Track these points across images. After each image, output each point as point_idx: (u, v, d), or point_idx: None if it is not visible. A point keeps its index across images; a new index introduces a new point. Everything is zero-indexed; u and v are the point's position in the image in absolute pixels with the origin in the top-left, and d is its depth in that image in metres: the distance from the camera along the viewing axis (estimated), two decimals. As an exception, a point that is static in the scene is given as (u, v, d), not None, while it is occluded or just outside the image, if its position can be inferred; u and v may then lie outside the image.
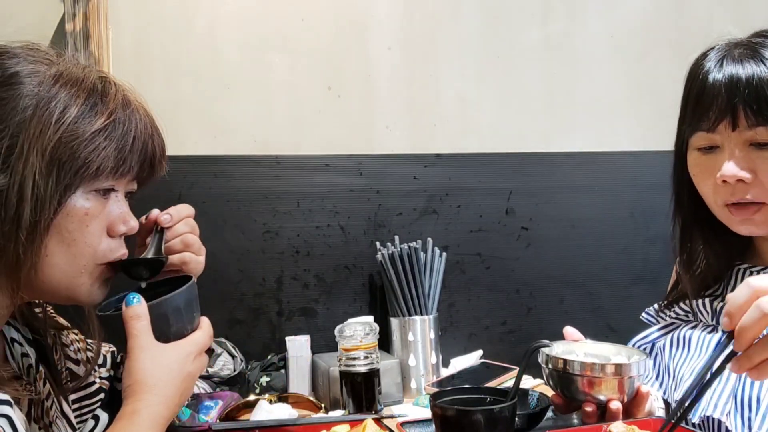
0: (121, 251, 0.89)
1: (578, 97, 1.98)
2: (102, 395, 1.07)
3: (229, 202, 1.72)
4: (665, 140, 1.97)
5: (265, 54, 1.76)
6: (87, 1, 1.57)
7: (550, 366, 1.03)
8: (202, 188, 1.71)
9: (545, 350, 1.04)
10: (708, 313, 1.10)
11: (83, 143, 0.80)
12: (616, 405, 0.99)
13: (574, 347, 1.08)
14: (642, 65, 2.01)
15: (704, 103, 1.00)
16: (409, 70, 1.85)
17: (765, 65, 0.95)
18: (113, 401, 1.08)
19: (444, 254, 1.76)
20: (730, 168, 0.97)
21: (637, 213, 1.99)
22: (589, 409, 0.99)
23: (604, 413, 1.01)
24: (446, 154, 1.87)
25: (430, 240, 1.75)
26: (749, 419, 0.99)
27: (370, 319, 1.66)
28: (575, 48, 1.98)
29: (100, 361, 1.10)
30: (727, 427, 1.01)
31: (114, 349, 1.15)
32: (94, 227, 0.84)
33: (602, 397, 1.00)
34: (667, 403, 1.15)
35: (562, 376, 1.01)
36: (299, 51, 1.78)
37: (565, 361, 1.00)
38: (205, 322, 0.92)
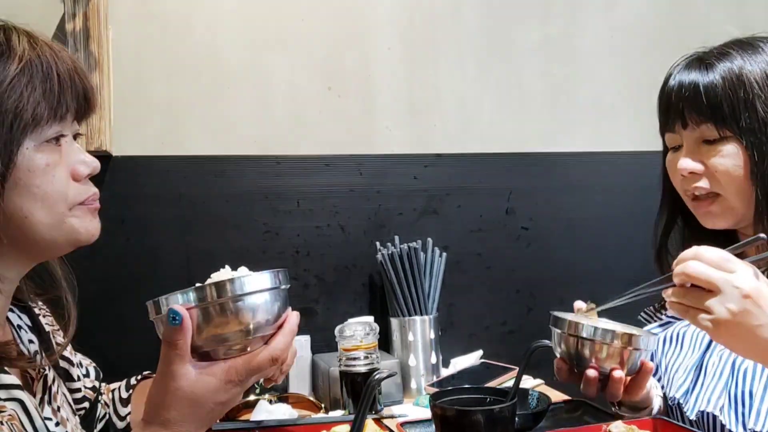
0: (90, 191, 0.87)
1: (578, 97, 1.98)
2: (86, 404, 1.06)
3: (229, 202, 1.72)
4: (665, 140, 1.98)
5: (265, 54, 1.76)
6: (87, 1, 1.57)
7: (561, 329, 1.03)
8: (202, 188, 1.71)
9: (557, 313, 1.06)
10: None
11: (5, 93, 0.78)
12: (619, 373, 1.00)
13: (584, 321, 1.08)
14: (642, 65, 2.01)
15: (662, 107, 1.15)
16: (409, 70, 1.85)
17: (706, 72, 1.08)
18: (92, 414, 1.07)
19: (444, 254, 1.76)
20: (683, 162, 1.09)
21: (637, 213, 1.98)
22: (591, 374, 1.00)
23: (604, 387, 1.02)
24: (446, 154, 1.87)
25: (430, 240, 1.75)
26: (743, 414, 1.01)
27: (370, 319, 1.66)
28: (575, 48, 1.98)
29: (83, 371, 1.08)
30: (722, 423, 1.02)
31: (95, 364, 1.13)
32: (59, 175, 0.82)
33: (606, 366, 1.00)
34: (665, 397, 1.17)
35: (572, 339, 1.02)
36: (299, 51, 1.78)
37: (577, 324, 1.01)
38: (271, 346, 0.83)
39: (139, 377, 1.15)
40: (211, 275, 0.86)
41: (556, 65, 1.96)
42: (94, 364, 1.12)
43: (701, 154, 1.08)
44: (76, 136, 0.88)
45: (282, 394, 1.51)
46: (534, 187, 1.92)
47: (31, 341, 0.92)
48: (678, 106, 1.10)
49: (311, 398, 1.52)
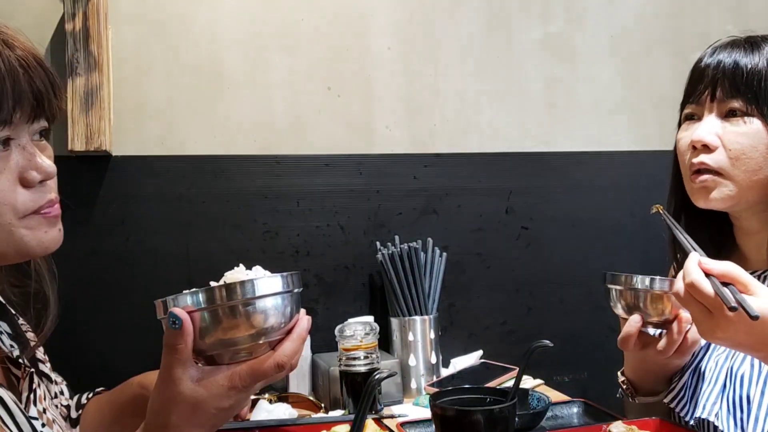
0: (45, 199, 0.80)
1: (578, 97, 1.98)
2: (61, 420, 1.05)
3: (229, 202, 1.72)
4: (665, 140, 1.98)
5: (265, 54, 1.76)
6: (87, 1, 1.57)
7: (626, 285, 1.09)
8: (202, 188, 1.71)
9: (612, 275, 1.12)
10: None
11: None
12: (686, 314, 1.02)
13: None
14: (642, 65, 2.01)
15: (693, 82, 1.11)
16: (409, 70, 1.85)
17: (750, 54, 1.05)
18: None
19: (444, 254, 1.76)
20: (699, 132, 1.06)
21: (637, 213, 1.98)
22: (674, 327, 1.03)
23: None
24: (446, 154, 1.87)
25: (430, 240, 1.75)
26: (742, 420, 1.00)
27: (370, 319, 1.66)
28: (575, 48, 1.98)
29: (58, 389, 1.05)
30: (721, 430, 1.01)
31: (65, 383, 1.09)
32: (1, 182, 0.76)
33: (668, 313, 1.04)
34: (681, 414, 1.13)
35: (639, 293, 1.07)
36: (299, 51, 1.78)
37: (651, 279, 1.06)
38: (278, 352, 0.79)
39: (90, 395, 1.10)
40: (225, 274, 0.83)
41: (556, 65, 1.96)
42: (65, 383, 1.08)
43: (719, 127, 1.06)
44: (41, 134, 0.82)
45: (282, 394, 1.51)
46: (534, 187, 1.92)
47: (13, 345, 0.89)
48: (712, 78, 1.07)
49: (311, 398, 1.52)
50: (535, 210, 1.92)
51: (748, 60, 1.05)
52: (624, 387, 1.19)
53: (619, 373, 1.22)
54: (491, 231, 1.89)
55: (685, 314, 1.03)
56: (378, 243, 1.76)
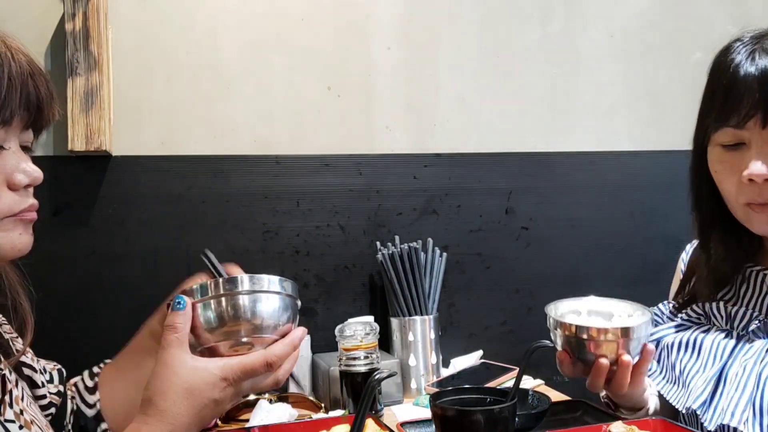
0: (27, 203, 0.82)
1: (578, 97, 1.98)
2: (53, 410, 1.04)
3: (228, 202, 1.72)
4: (665, 140, 1.98)
5: (265, 54, 1.76)
6: (87, 1, 1.57)
7: (559, 330, 1.04)
8: (201, 188, 1.71)
9: (551, 312, 1.07)
10: (722, 317, 1.07)
11: None
12: (627, 357, 1.00)
13: (578, 305, 1.10)
14: (642, 65, 2.01)
15: (734, 97, 0.94)
16: (409, 70, 1.85)
17: None
18: (75, 423, 1.06)
19: (444, 254, 1.76)
20: (758, 167, 0.93)
21: (637, 213, 1.99)
22: (604, 361, 1.00)
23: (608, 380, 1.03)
24: (446, 154, 1.87)
25: (430, 240, 1.75)
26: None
27: (370, 319, 1.66)
28: (575, 48, 1.98)
29: (47, 377, 1.06)
30: None
31: (60, 366, 1.11)
32: None
33: (609, 355, 1.01)
34: (675, 409, 1.10)
35: (572, 340, 1.03)
36: (299, 51, 1.78)
37: (576, 327, 1.02)
38: (268, 350, 0.81)
39: (101, 365, 1.13)
40: None
41: (556, 65, 1.96)
42: (58, 367, 1.09)
43: None
44: (26, 148, 0.84)
45: (282, 394, 1.51)
46: (534, 187, 1.92)
47: None
48: (762, 99, 0.91)
49: (311, 398, 1.52)
50: (535, 210, 1.92)
51: None
52: (605, 402, 1.18)
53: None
54: (491, 231, 1.89)
55: (626, 358, 1.00)
56: (378, 243, 1.76)
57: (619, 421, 1.04)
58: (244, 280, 0.83)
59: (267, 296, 0.83)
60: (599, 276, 1.95)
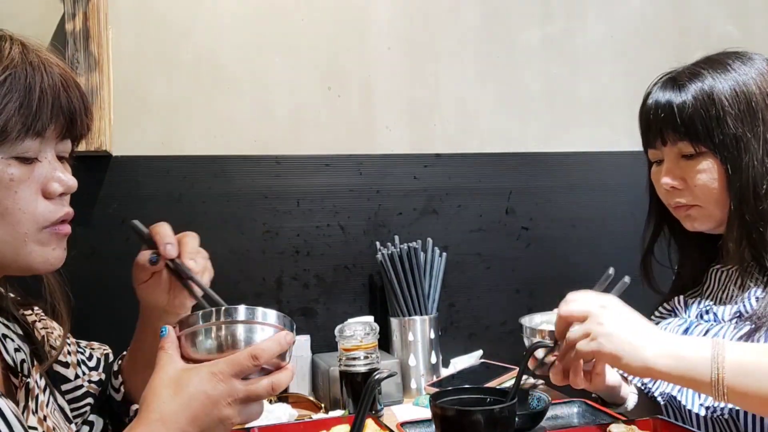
0: (63, 211, 0.84)
1: (578, 97, 1.98)
2: (90, 399, 1.06)
3: (229, 202, 1.72)
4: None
5: (265, 54, 1.76)
6: (87, 1, 1.57)
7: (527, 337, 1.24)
8: (202, 188, 1.70)
9: (525, 323, 1.27)
10: (682, 308, 1.26)
11: None
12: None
13: (553, 316, 1.17)
14: (642, 65, 2.01)
15: (642, 126, 1.25)
16: (409, 70, 1.85)
17: (679, 92, 1.15)
18: (104, 406, 1.07)
19: (444, 254, 1.76)
20: (665, 179, 1.18)
21: (637, 213, 1.97)
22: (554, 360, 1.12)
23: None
24: (446, 154, 1.87)
25: (430, 240, 1.75)
26: (697, 394, 1.11)
27: (370, 319, 1.66)
28: (575, 48, 1.98)
29: (93, 363, 1.09)
30: (684, 404, 1.12)
31: (109, 351, 1.14)
32: (24, 192, 0.79)
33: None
34: (649, 394, 1.24)
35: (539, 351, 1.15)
36: (299, 51, 1.78)
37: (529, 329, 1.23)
38: (253, 345, 0.82)
39: (121, 355, 1.14)
40: None
41: (556, 65, 1.96)
42: (107, 352, 1.11)
43: (681, 169, 1.17)
44: (63, 158, 0.85)
45: (282, 394, 1.51)
46: (534, 187, 1.92)
47: (17, 350, 0.90)
48: (656, 125, 1.18)
49: (311, 398, 1.52)
50: (535, 210, 1.92)
51: (679, 100, 1.14)
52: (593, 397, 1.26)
53: None
54: (491, 231, 1.89)
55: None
56: (378, 243, 1.76)
57: (620, 422, 1.05)
58: (238, 312, 0.83)
59: (261, 327, 0.83)
60: (599, 276, 1.94)
